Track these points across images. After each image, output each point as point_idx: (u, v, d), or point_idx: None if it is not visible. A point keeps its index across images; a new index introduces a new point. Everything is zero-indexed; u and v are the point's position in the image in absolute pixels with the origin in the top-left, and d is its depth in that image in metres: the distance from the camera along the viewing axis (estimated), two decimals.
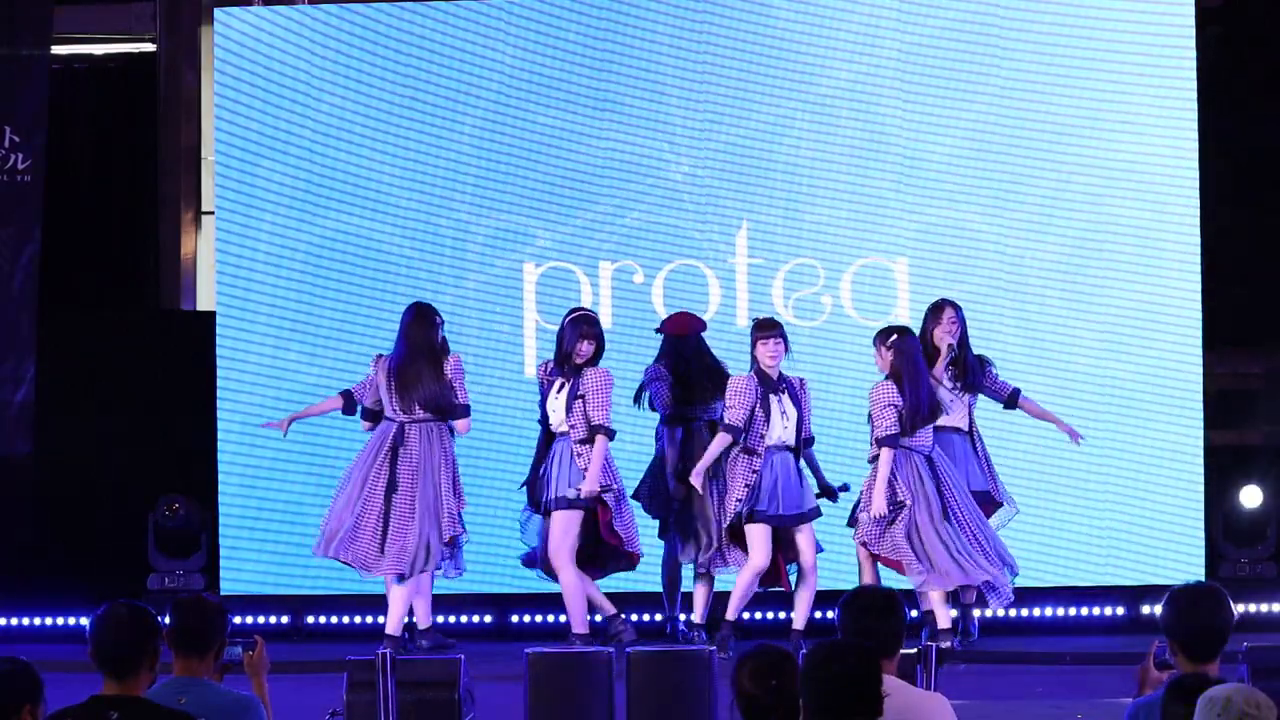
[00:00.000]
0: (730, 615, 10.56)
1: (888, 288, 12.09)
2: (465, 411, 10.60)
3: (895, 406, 10.46)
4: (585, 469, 10.35)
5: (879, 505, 10.40)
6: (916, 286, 11.96)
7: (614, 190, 12.24)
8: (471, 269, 12.30)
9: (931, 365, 10.87)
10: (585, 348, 10.50)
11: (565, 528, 10.42)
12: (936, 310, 11.02)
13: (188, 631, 5.74)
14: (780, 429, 10.48)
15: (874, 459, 10.53)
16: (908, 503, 10.42)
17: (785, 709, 5.02)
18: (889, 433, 10.46)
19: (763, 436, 10.43)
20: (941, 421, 10.90)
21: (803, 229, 12.15)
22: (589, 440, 10.36)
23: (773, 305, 12.05)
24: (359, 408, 10.84)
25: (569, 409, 10.42)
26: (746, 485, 10.40)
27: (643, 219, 12.19)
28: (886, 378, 10.56)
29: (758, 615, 11.68)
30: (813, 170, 12.15)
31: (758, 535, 10.46)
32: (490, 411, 12.07)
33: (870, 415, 10.56)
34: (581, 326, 10.52)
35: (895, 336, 10.61)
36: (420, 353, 10.56)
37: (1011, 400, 11.08)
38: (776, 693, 5.03)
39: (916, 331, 10.89)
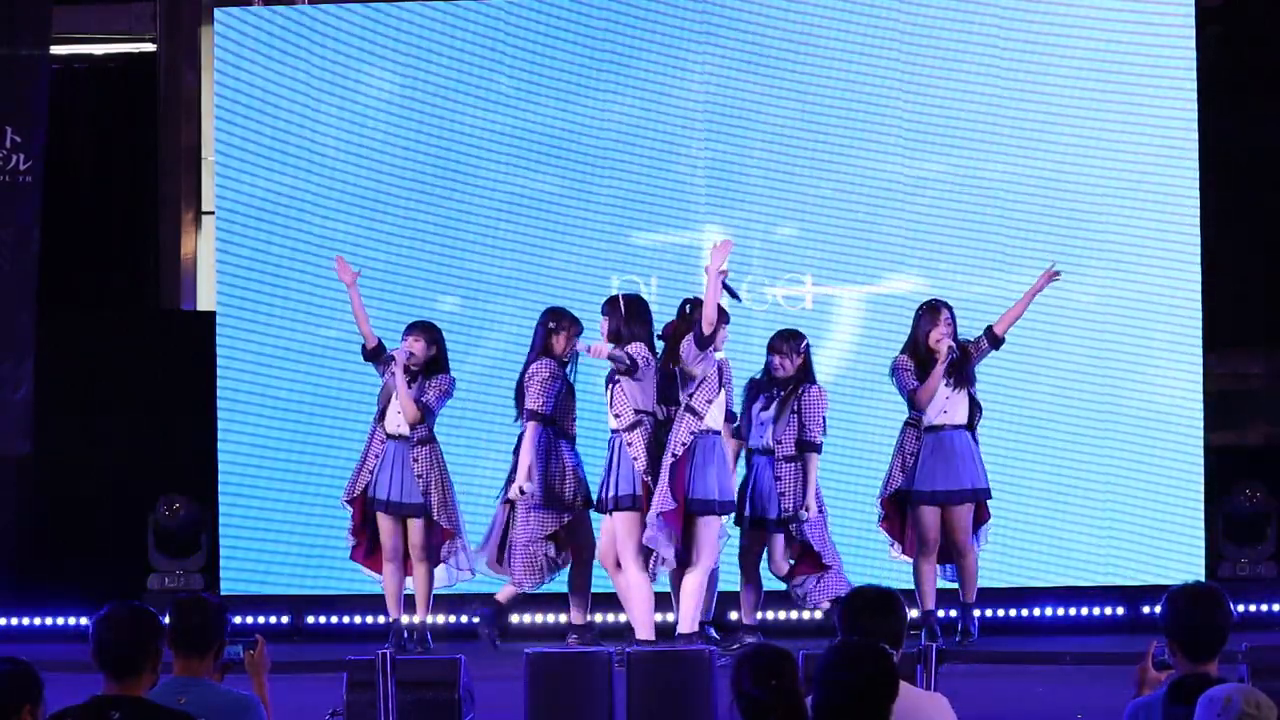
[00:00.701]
0: (691, 627, 10.18)
1: (893, 303, 12.11)
2: (525, 416, 10.53)
3: (825, 414, 10.58)
4: (635, 458, 10.17)
5: (814, 509, 10.55)
6: (916, 285, 11.96)
7: (623, 209, 12.25)
8: (474, 265, 12.30)
9: (926, 368, 10.85)
10: (604, 326, 10.40)
11: (629, 528, 10.23)
12: (932, 311, 10.96)
13: (188, 631, 5.73)
14: (722, 409, 10.29)
15: (793, 458, 10.57)
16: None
17: (785, 709, 5.02)
18: (820, 439, 10.57)
19: (709, 403, 10.16)
20: (939, 420, 10.89)
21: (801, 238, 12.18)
22: (632, 428, 10.23)
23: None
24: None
25: (611, 400, 10.26)
26: (684, 444, 10.03)
27: (656, 240, 12.21)
28: (811, 383, 10.58)
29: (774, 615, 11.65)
30: (811, 173, 12.17)
31: (713, 531, 10.22)
32: (466, 409, 12.11)
33: (806, 417, 10.54)
34: (604, 308, 10.47)
35: (806, 342, 10.69)
36: (529, 358, 10.66)
37: (994, 339, 10.96)
38: (776, 693, 5.03)
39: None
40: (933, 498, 10.86)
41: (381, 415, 11.02)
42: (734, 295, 10.47)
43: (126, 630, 5.35)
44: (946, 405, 10.89)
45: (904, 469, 10.92)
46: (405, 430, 10.93)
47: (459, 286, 12.29)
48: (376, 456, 11.00)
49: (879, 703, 4.80)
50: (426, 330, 11.02)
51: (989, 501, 11.02)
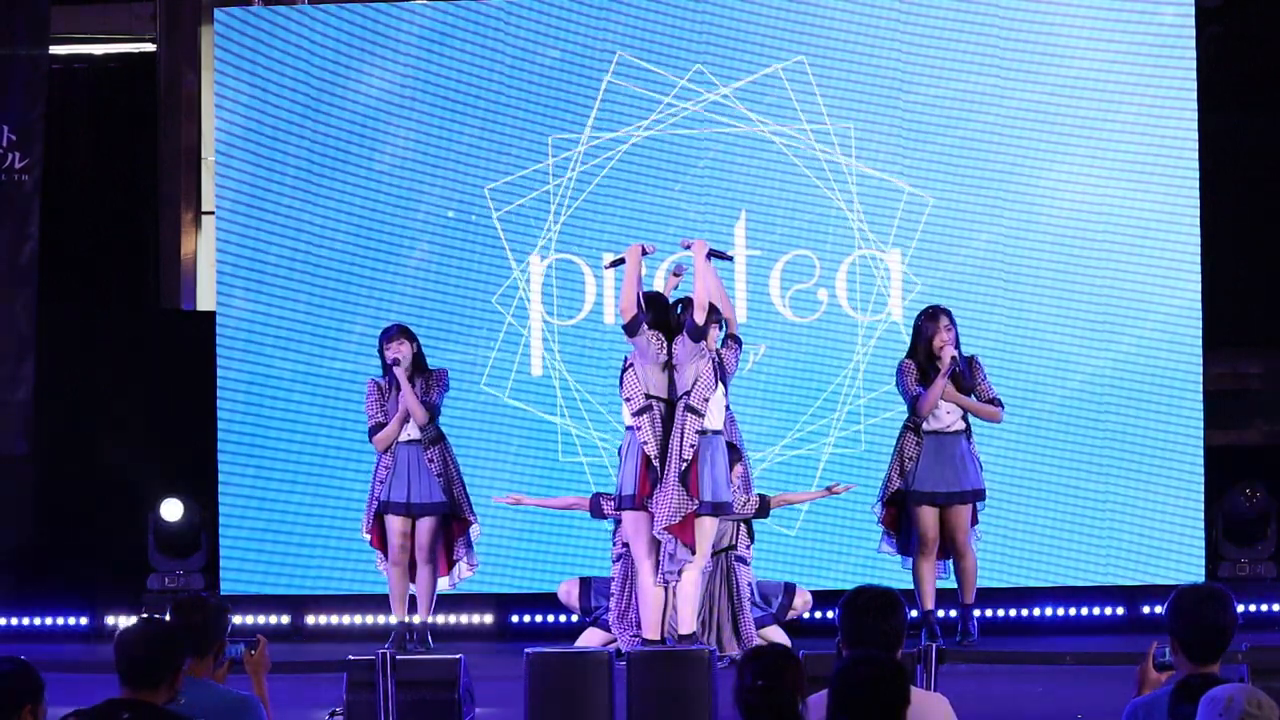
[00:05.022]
0: (691, 628, 10.14)
1: (882, 281, 12.08)
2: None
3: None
4: (644, 442, 10.07)
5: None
6: (911, 283, 11.96)
7: (613, 179, 12.23)
8: (475, 265, 12.30)
9: (928, 372, 10.83)
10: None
11: (637, 527, 10.16)
12: (931, 318, 10.92)
13: (188, 631, 5.73)
14: (721, 406, 10.26)
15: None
16: None
17: (781, 709, 5.02)
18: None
19: (707, 400, 10.09)
20: (938, 425, 10.86)
21: (799, 220, 12.14)
22: (641, 412, 10.21)
23: (770, 298, 12.07)
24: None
25: (622, 385, 10.16)
26: (692, 446, 10.01)
27: (642, 206, 12.19)
28: None
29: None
30: (809, 160, 12.15)
31: (713, 531, 10.21)
32: (495, 411, 12.11)
33: None
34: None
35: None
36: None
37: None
38: (769, 692, 5.03)
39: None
40: (932, 499, 10.87)
41: (371, 441, 10.98)
42: (726, 257, 10.54)
43: (149, 647, 5.33)
44: (946, 410, 10.89)
45: (901, 474, 10.92)
46: (416, 434, 10.91)
47: (460, 286, 12.28)
48: (387, 469, 10.95)
49: (893, 715, 4.79)
50: (406, 332, 11.00)
51: (982, 508, 11.04)
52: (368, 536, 11.10)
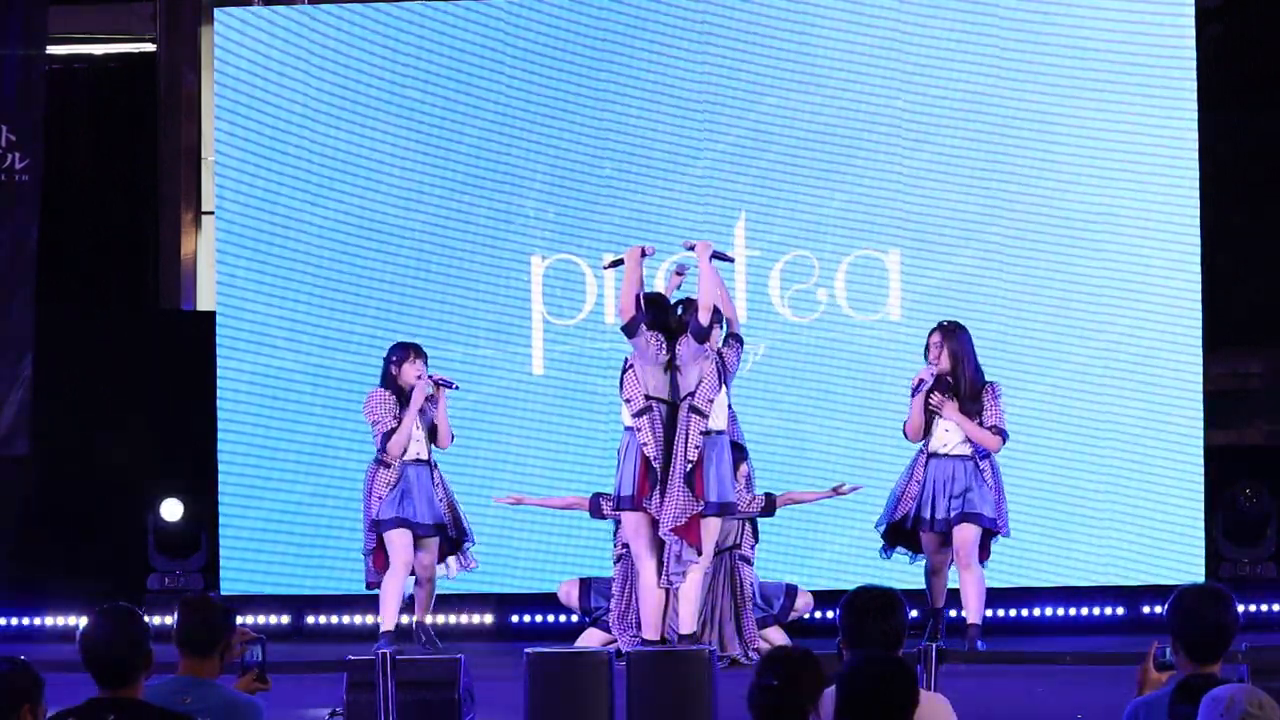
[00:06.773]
0: (692, 628, 10.15)
1: (881, 281, 12.08)
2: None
3: None
4: (644, 444, 10.08)
5: None
6: (910, 282, 11.96)
7: (613, 180, 12.23)
8: (474, 265, 12.30)
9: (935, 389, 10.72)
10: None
11: (635, 527, 10.16)
12: (930, 336, 10.78)
13: (193, 631, 5.73)
14: (725, 407, 10.26)
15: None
16: None
17: (786, 711, 5.02)
18: None
19: (711, 401, 10.10)
20: (933, 446, 10.63)
21: (799, 220, 12.14)
22: (641, 414, 10.16)
23: (769, 299, 12.07)
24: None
25: (622, 386, 10.19)
26: (696, 447, 9.98)
27: (642, 207, 12.18)
28: None
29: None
30: (809, 162, 12.15)
31: (716, 532, 10.20)
32: (495, 411, 12.12)
33: None
34: None
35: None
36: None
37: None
38: (777, 693, 5.03)
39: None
40: (932, 525, 10.64)
41: (385, 447, 10.79)
42: (727, 258, 10.58)
43: (115, 645, 5.31)
44: (945, 430, 10.66)
45: (910, 496, 10.65)
46: (424, 455, 10.78)
47: (463, 284, 12.28)
48: (388, 485, 10.76)
49: (902, 716, 4.78)
50: (422, 351, 10.85)
51: (1000, 535, 10.73)
52: (367, 560, 10.88)
